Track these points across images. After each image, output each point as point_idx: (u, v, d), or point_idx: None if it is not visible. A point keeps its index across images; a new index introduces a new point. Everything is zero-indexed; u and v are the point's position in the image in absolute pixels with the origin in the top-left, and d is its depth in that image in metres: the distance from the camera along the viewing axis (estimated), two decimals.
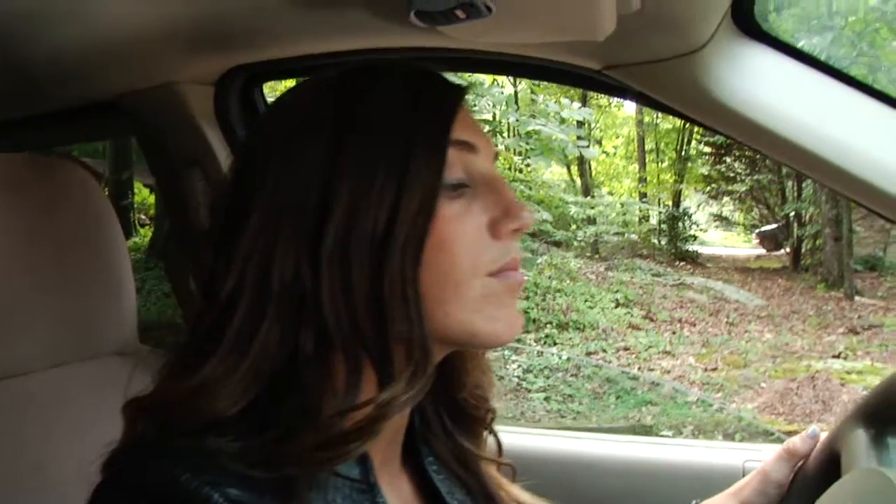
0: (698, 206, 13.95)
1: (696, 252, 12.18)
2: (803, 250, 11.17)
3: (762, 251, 12.81)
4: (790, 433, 1.03)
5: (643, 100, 0.91)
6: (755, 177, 11.99)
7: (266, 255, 0.53)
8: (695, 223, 12.98)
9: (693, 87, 0.83)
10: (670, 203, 13.28)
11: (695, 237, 12.58)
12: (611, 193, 14.25)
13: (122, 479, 0.51)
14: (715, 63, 0.82)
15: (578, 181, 13.11)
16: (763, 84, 0.82)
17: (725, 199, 13.59)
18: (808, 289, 9.65)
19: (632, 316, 8.09)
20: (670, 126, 13.16)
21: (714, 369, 6.78)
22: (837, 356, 6.89)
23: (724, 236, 15.41)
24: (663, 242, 12.39)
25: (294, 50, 0.97)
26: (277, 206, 0.53)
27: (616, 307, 8.29)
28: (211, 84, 1.04)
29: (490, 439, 0.73)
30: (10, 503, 0.83)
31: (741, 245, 14.36)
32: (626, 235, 11.78)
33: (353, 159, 0.53)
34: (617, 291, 8.72)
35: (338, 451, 0.51)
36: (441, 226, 0.54)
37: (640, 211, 12.16)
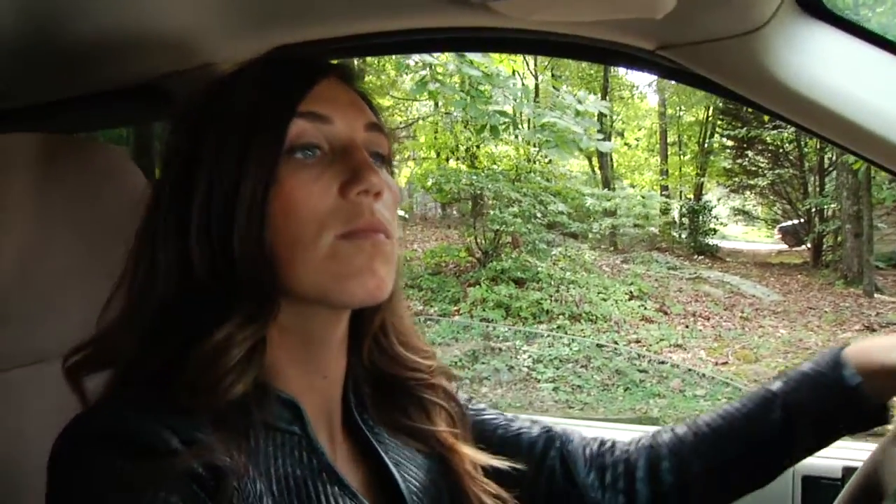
0: (719, 199, 13.84)
1: (716, 246, 12.08)
2: (824, 246, 11.04)
3: (783, 246, 12.68)
4: None
5: (697, 81, 0.88)
6: (777, 171, 11.85)
7: (151, 232, 0.63)
8: (715, 217, 12.87)
9: (752, 67, 0.80)
10: (692, 196, 13.18)
11: (715, 231, 12.48)
12: (632, 185, 14.17)
13: (80, 428, 0.57)
14: (776, 42, 0.79)
15: (599, 173, 13.04)
16: (826, 64, 0.79)
17: (748, 193, 13.46)
18: (827, 285, 9.56)
19: (645, 308, 8.05)
20: (693, 119, 13.03)
21: (724, 363, 6.73)
22: None
23: (745, 231, 15.26)
24: (683, 236, 12.30)
25: (337, 30, 0.95)
26: (158, 192, 0.64)
27: (630, 300, 8.25)
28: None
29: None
30: (41, 483, 0.82)
31: (763, 240, 14.21)
32: (645, 228, 11.71)
33: (211, 142, 0.61)
34: (631, 284, 8.67)
35: (211, 385, 0.57)
36: (287, 191, 0.60)
37: (660, 204, 12.09)
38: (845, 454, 1.09)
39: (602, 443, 0.82)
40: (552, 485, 0.79)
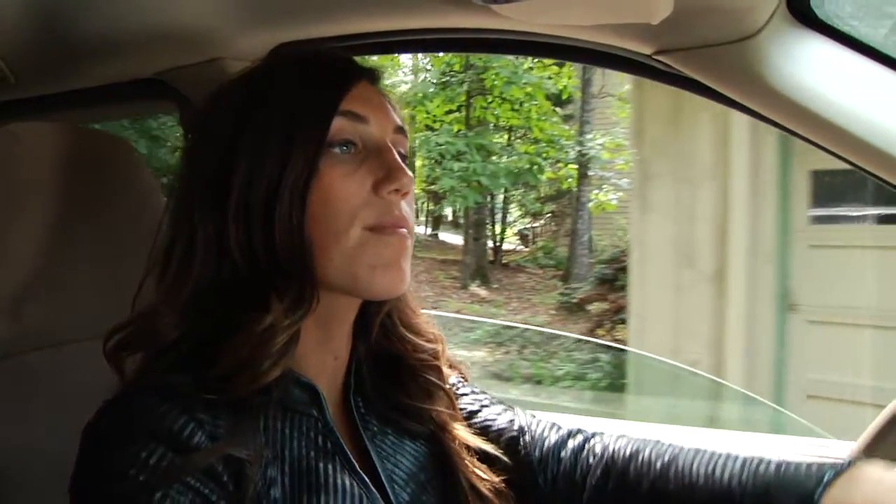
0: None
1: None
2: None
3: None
4: None
5: (692, 86, 0.90)
6: None
7: (190, 214, 0.65)
8: None
9: (746, 73, 0.82)
10: None
11: None
12: None
13: (110, 414, 0.59)
14: (769, 50, 0.81)
15: None
16: (817, 72, 0.82)
17: None
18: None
19: None
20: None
21: None
22: None
23: None
24: None
25: (343, 28, 0.97)
26: (196, 173, 0.67)
27: None
28: (257, 62, 1.04)
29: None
30: (56, 465, 0.84)
31: None
32: None
33: (254, 130, 0.65)
34: None
35: (249, 372, 0.60)
36: (326, 182, 0.64)
37: None
38: (830, 451, 1.12)
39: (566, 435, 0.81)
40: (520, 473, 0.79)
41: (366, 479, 0.66)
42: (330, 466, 0.64)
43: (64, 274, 0.87)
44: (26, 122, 0.87)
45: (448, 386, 0.80)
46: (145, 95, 1.16)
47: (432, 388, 0.78)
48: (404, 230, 0.67)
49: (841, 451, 1.09)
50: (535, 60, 9.75)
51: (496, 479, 0.75)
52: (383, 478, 0.70)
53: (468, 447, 0.77)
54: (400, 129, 0.71)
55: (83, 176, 0.88)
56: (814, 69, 0.82)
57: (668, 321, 4.59)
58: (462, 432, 0.78)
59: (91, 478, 0.58)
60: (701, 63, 0.85)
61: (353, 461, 0.66)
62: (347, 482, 0.64)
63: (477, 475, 0.75)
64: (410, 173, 0.68)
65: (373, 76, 0.72)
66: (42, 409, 0.84)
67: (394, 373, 0.77)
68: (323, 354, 0.70)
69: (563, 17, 0.81)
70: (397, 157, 0.68)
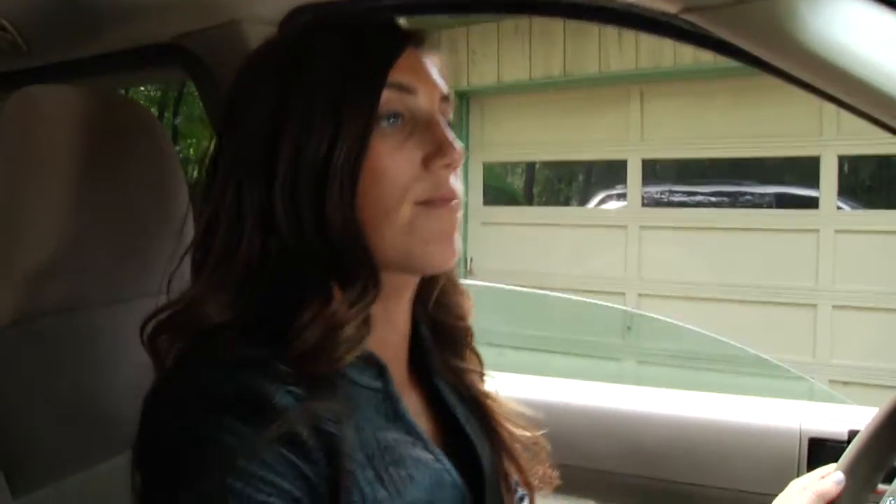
0: None
1: None
2: None
3: None
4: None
5: (718, 46, 0.88)
6: None
7: (234, 191, 0.62)
8: None
9: (775, 30, 0.80)
10: None
11: None
12: None
13: (178, 390, 0.57)
14: (799, 5, 0.79)
15: None
16: (849, 29, 0.80)
17: None
18: None
19: None
20: None
21: None
22: None
23: None
24: None
25: None
26: (239, 147, 0.63)
27: None
28: (275, 24, 1.02)
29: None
30: (70, 430, 0.85)
31: None
32: None
33: (300, 100, 0.62)
34: None
35: (324, 358, 0.58)
36: (375, 157, 0.62)
37: None
38: (851, 417, 1.12)
39: None
40: None
41: (438, 451, 0.66)
42: (402, 444, 0.63)
43: (82, 238, 0.86)
44: (42, 85, 0.86)
45: None
46: (160, 62, 1.15)
47: (475, 351, 0.80)
48: (455, 202, 0.66)
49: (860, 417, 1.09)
50: None
51: (538, 437, 0.78)
52: (474, 440, 0.72)
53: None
54: (446, 98, 0.69)
55: (102, 140, 0.87)
56: (845, 25, 0.80)
57: None
58: (502, 399, 0.80)
59: (173, 444, 0.55)
60: (728, 21, 0.83)
61: (424, 436, 0.66)
62: (423, 454, 0.64)
63: (518, 436, 0.77)
64: (460, 145, 0.66)
65: (420, 41, 0.68)
66: (60, 374, 0.85)
67: (447, 338, 0.78)
68: (384, 331, 0.67)
69: None
70: (447, 129, 0.66)
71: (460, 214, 0.67)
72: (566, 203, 6.84)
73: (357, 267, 0.61)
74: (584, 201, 6.58)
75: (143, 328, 0.64)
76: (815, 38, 0.80)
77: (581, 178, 6.92)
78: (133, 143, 0.92)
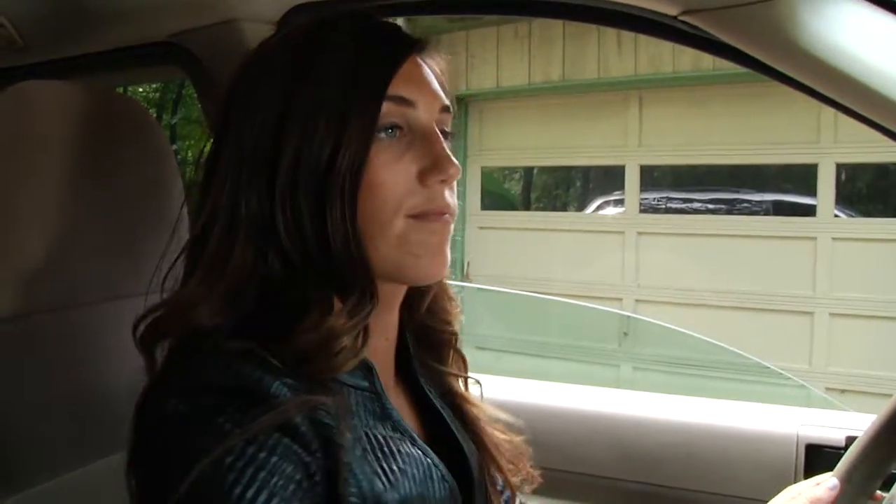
0: None
1: None
2: None
3: None
4: None
5: (717, 49, 0.88)
6: None
7: (232, 192, 0.62)
8: None
9: (775, 33, 0.80)
10: None
11: None
12: None
13: (176, 380, 0.57)
14: (799, 8, 0.79)
15: None
16: (849, 32, 0.79)
17: None
18: None
19: None
20: None
21: None
22: None
23: None
24: None
25: None
26: (240, 148, 0.62)
27: None
28: (273, 23, 1.02)
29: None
30: (64, 427, 0.84)
31: None
32: None
33: (302, 107, 0.61)
34: None
35: (321, 366, 0.58)
36: (374, 169, 0.61)
37: None
38: (849, 423, 1.11)
39: None
40: None
41: (426, 448, 0.66)
42: (392, 441, 0.64)
43: (76, 235, 0.86)
44: (38, 80, 0.85)
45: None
46: (157, 60, 1.15)
47: (461, 354, 0.80)
48: (448, 216, 0.66)
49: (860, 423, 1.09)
50: None
51: (516, 438, 0.78)
52: (461, 440, 0.72)
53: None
54: (446, 109, 0.68)
55: (97, 136, 0.87)
56: (845, 29, 0.80)
57: None
58: (480, 403, 0.80)
59: (172, 433, 0.55)
60: (728, 24, 0.83)
61: (413, 433, 0.67)
62: (412, 450, 0.65)
63: (498, 438, 0.78)
64: (457, 162, 0.65)
65: (422, 49, 0.68)
66: (53, 370, 0.84)
67: (430, 342, 0.78)
68: (373, 336, 0.66)
69: None
70: (444, 144, 0.65)
71: (452, 226, 0.67)
72: (564, 208, 6.84)
73: (356, 278, 0.61)
74: (581, 207, 6.58)
75: (135, 327, 0.63)
76: (815, 41, 0.80)
77: (579, 183, 6.93)
78: (129, 139, 0.92)
